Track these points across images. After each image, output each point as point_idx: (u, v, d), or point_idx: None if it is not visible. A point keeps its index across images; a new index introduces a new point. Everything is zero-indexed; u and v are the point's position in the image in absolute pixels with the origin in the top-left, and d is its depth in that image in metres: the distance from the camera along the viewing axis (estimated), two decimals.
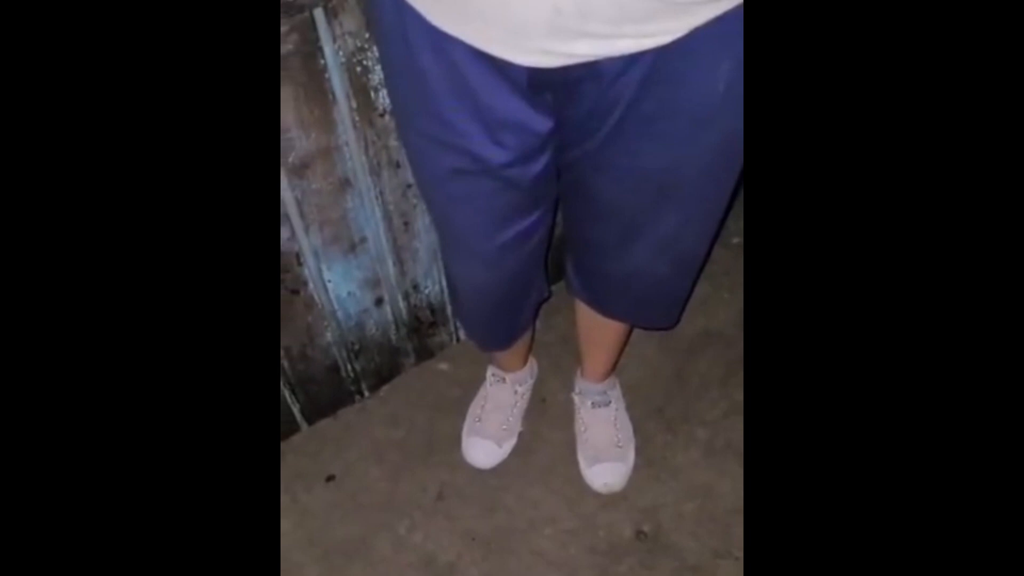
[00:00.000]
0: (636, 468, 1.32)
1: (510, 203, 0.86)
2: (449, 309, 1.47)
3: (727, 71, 0.68)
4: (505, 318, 1.10)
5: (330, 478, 1.34)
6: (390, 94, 0.93)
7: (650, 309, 1.07)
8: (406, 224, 1.23)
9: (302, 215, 1.10)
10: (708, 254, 1.00)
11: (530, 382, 1.40)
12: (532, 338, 1.36)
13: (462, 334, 1.53)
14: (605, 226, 0.91)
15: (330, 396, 1.42)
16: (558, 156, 0.83)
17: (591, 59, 0.65)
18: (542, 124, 0.76)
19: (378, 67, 1.00)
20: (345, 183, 1.11)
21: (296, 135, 1.01)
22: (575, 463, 1.33)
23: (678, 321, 1.13)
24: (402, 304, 1.37)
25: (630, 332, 1.27)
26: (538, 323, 1.49)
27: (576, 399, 1.35)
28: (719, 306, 1.55)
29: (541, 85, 0.70)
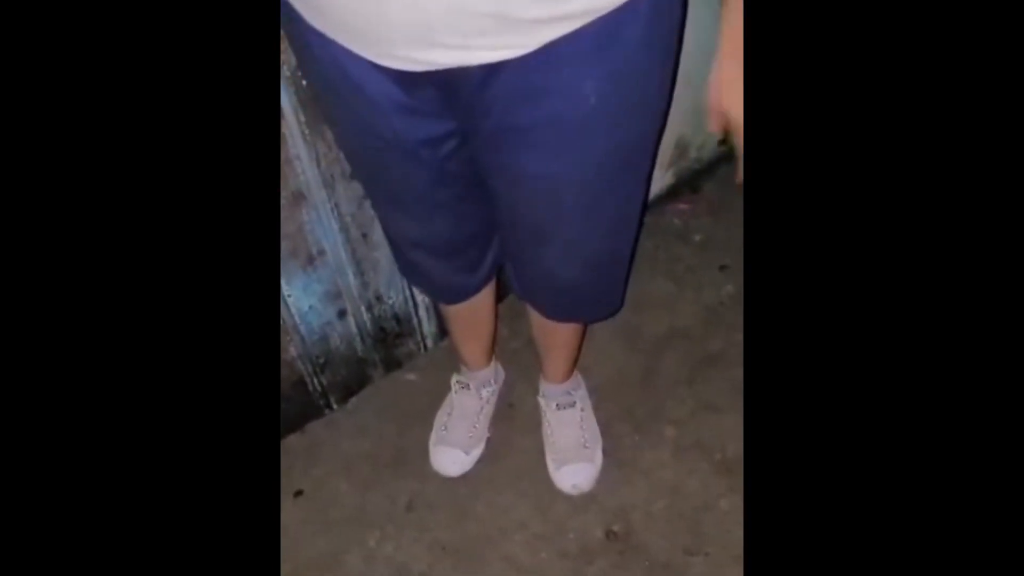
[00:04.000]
0: (605, 469, 1.32)
1: (430, 176, 0.87)
2: (415, 319, 1.47)
3: (595, 84, 0.70)
4: (457, 271, 1.09)
5: (298, 493, 1.34)
6: (309, 86, 0.96)
7: (578, 308, 1.09)
8: (364, 235, 1.23)
9: None
10: (632, 254, 1.02)
11: (495, 386, 1.40)
12: (495, 337, 1.36)
13: (429, 343, 1.53)
14: (515, 229, 0.94)
15: (297, 411, 1.41)
16: (461, 149, 0.84)
17: (451, 67, 0.67)
18: (430, 111, 0.77)
19: None
20: (299, 196, 1.11)
21: None
22: (544, 467, 1.33)
23: (619, 309, 1.14)
24: (366, 316, 1.36)
25: (584, 332, 1.28)
26: (504, 329, 1.49)
27: (541, 402, 1.36)
28: (684, 304, 1.56)
29: (416, 84, 0.72)
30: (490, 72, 0.68)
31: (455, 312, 1.23)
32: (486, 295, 1.19)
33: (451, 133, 0.81)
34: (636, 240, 1.01)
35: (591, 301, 1.08)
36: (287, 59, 0.95)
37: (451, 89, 0.72)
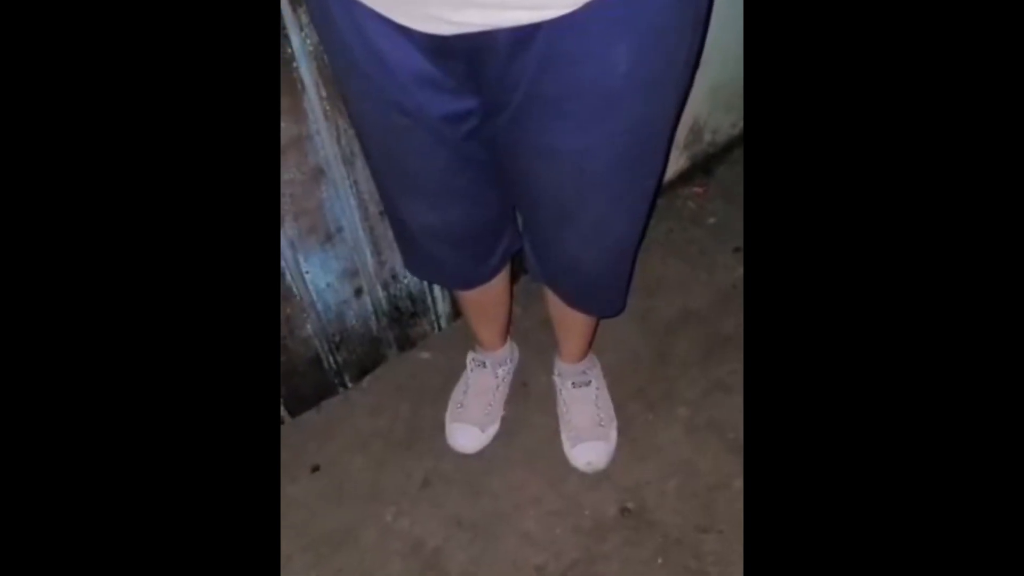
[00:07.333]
0: (619, 447, 1.33)
1: (449, 157, 0.87)
2: (430, 298, 1.47)
3: (626, 53, 0.69)
4: (471, 259, 1.09)
5: (315, 469, 1.35)
6: (328, 61, 0.94)
7: (591, 297, 1.10)
8: (382, 213, 1.23)
9: None
10: (639, 244, 1.03)
11: (510, 365, 1.41)
12: (510, 318, 1.37)
13: (443, 323, 1.54)
14: (538, 211, 0.93)
15: (313, 388, 1.42)
16: (482, 128, 0.84)
17: (483, 29, 0.66)
18: (454, 86, 0.77)
19: None
20: (319, 172, 1.12)
21: None
22: (558, 445, 1.34)
23: (622, 310, 1.16)
24: (382, 294, 1.37)
25: None
26: (518, 309, 1.50)
27: (557, 381, 1.37)
28: (697, 286, 1.57)
29: (443, 53, 0.72)
30: (520, 39, 0.68)
31: (469, 297, 1.24)
32: (500, 280, 1.20)
33: (472, 111, 0.81)
34: (645, 229, 1.02)
35: (608, 289, 1.08)
36: (309, 34, 0.96)
37: (478, 61, 0.72)
